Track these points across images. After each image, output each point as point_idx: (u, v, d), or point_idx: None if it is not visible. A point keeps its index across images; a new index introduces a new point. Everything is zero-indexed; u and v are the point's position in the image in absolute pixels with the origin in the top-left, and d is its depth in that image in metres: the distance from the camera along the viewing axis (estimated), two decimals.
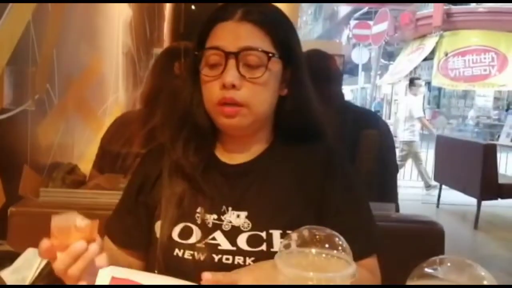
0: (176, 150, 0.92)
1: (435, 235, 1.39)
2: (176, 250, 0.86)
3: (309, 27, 23.66)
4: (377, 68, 13.16)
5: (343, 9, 16.71)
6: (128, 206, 0.96)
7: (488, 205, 4.98)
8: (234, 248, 0.85)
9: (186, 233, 0.87)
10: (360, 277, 0.61)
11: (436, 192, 5.88)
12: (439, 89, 13.40)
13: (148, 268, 0.91)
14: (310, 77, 0.95)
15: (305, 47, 1.07)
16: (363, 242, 0.84)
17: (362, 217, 0.92)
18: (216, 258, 0.84)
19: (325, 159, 0.93)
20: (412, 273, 0.61)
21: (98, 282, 0.70)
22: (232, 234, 0.86)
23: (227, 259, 0.84)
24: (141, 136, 1.52)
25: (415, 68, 11.68)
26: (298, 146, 0.94)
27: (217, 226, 0.87)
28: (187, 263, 0.84)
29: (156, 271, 0.86)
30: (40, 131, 1.86)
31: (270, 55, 0.86)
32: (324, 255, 0.62)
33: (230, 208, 0.88)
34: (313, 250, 0.63)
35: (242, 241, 0.85)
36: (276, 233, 0.85)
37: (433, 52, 10.90)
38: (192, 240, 0.86)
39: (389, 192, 2.02)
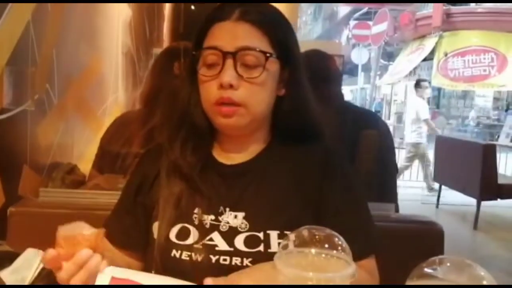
0: (174, 150, 0.92)
1: (435, 235, 1.39)
2: (174, 251, 0.86)
3: (308, 27, 23.66)
4: (376, 68, 13.15)
5: (343, 9, 16.71)
6: (126, 206, 0.96)
7: (488, 205, 4.98)
8: (232, 249, 0.84)
9: (183, 234, 0.87)
10: (358, 278, 0.61)
11: (435, 192, 5.89)
12: (439, 89, 13.38)
13: (146, 268, 0.91)
14: (309, 78, 0.95)
15: (305, 47, 1.08)
16: (361, 242, 0.84)
17: (360, 218, 0.91)
18: (214, 259, 0.84)
19: (323, 160, 0.93)
20: (412, 273, 0.61)
21: (98, 282, 0.70)
22: (229, 234, 0.86)
23: (225, 260, 0.84)
24: (140, 136, 1.52)
25: (415, 69, 11.68)
26: (296, 147, 0.94)
27: (214, 227, 0.87)
28: (184, 264, 0.84)
29: (153, 272, 0.86)
30: (39, 131, 1.86)
31: (268, 55, 0.86)
32: (323, 255, 0.62)
33: (227, 209, 0.88)
34: (313, 250, 0.63)
35: (239, 241, 0.85)
36: (273, 234, 0.85)
37: (432, 53, 10.89)
38: (190, 241, 0.86)
39: (388, 192, 2.02)
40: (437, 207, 5.72)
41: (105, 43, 2.95)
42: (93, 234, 0.71)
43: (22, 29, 1.65)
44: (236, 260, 0.84)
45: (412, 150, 6.31)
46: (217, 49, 0.85)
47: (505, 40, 10.26)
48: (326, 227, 0.66)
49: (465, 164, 5.07)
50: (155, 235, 0.89)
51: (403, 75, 11.77)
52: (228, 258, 0.84)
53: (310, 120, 0.95)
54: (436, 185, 6.04)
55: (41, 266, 0.91)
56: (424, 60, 11.33)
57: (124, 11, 3.39)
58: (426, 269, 0.60)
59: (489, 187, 4.72)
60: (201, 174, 0.90)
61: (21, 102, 1.69)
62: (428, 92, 6.72)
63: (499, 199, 4.85)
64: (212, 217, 0.87)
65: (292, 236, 0.64)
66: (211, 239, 0.85)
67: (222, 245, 0.85)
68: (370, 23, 12.28)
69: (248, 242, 0.85)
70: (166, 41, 4.47)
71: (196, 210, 0.88)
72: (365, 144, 1.97)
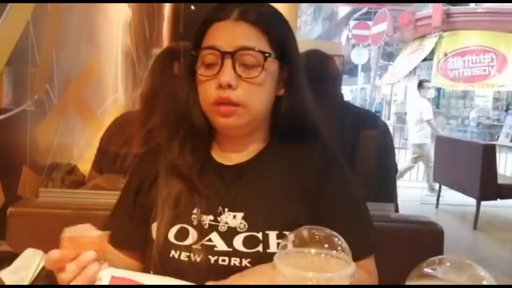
0: (173, 150, 0.92)
1: (435, 235, 1.39)
2: (172, 252, 0.85)
3: (308, 28, 23.64)
4: (376, 68, 13.16)
5: (343, 9, 16.70)
6: (125, 207, 0.96)
7: (488, 205, 4.98)
8: (230, 249, 0.84)
9: (182, 234, 0.86)
10: (357, 278, 0.61)
11: (436, 192, 5.89)
12: (439, 89, 13.37)
13: (145, 269, 0.90)
14: (308, 78, 0.95)
15: (305, 47, 1.07)
16: (360, 243, 0.84)
17: (359, 218, 0.91)
18: (212, 259, 0.84)
19: (322, 160, 0.93)
20: (412, 273, 0.61)
21: (98, 282, 0.70)
22: (228, 235, 0.85)
23: (223, 260, 0.84)
24: (140, 136, 1.52)
25: (415, 69, 11.68)
26: (295, 147, 0.94)
27: (213, 227, 0.86)
28: (183, 265, 0.84)
29: (151, 273, 0.85)
30: (39, 131, 1.86)
31: (267, 55, 0.86)
32: (323, 255, 0.62)
33: (226, 209, 0.88)
34: (312, 250, 0.63)
35: (238, 242, 0.85)
36: (272, 234, 0.85)
37: (432, 53, 10.90)
38: (188, 241, 0.85)
39: (388, 192, 2.02)
40: (437, 207, 5.72)
41: (105, 44, 2.95)
42: (98, 236, 0.71)
43: (21, 29, 1.64)
44: (235, 261, 0.83)
45: (417, 151, 6.31)
46: (216, 49, 0.85)
47: (505, 40, 10.27)
48: (325, 227, 0.66)
49: (465, 164, 5.06)
50: (154, 236, 0.88)
51: (403, 75, 11.78)
52: (227, 258, 0.84)
53: (309, 120, 0.95)
54: (437, 186, 6.05)
55: (41, 266, 0.91)
56: (424, 60, 11.33)
57: (123, 12, 3.38)
58: (426, 269, 0.60)
59: (489, 187, 4.72)
60: (200, 174, 0.90)
61: (20, 102, 1.69)
62: (431, 93, 6.74)
63: (499, 199, 4.85)
64: (211, 217, 0.87)
65: (291, 236, 0.64)
66: (210, 240, 0.85)
67: (221, 245, 0.85)
68: (370, 23, 12.29)
69: (247, 242, 0.85)
70: (165, 41, 4.46)
71: (195, 211, 0.88)
72: (365, 144, 1.97)
